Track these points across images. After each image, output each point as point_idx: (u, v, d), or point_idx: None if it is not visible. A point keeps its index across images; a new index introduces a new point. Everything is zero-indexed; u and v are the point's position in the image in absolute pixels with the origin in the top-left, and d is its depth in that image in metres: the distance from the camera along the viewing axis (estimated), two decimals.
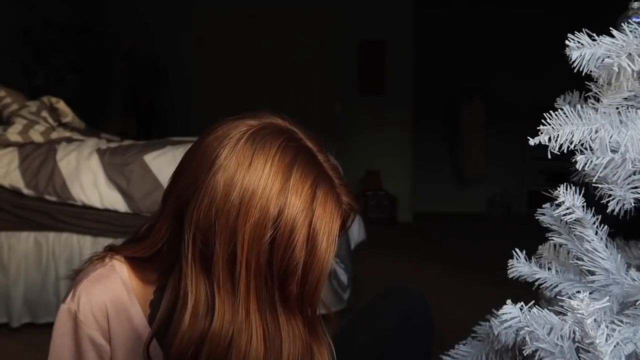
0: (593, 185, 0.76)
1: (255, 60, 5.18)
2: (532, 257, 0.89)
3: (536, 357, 0.71)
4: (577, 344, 0.68)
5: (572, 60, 0.73)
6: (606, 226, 0.81)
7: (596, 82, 0.77)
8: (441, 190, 5.67)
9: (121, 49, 5.17)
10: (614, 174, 0.72)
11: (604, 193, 0.75)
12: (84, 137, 2.64)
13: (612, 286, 0.80)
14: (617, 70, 0.71)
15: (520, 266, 0.86)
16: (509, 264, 0.87)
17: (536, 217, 0.86)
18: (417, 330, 1.08)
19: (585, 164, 0.72)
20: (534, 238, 0.95)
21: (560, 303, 0.70)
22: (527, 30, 5.19)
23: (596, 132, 0.73)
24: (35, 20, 4.40)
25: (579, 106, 0.75)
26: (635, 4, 0.87)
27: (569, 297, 0.66)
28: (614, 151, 0.71)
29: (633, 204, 0.75)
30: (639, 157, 0.71)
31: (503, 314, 0.76)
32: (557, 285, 0.84)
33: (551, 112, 0.75)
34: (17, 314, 2.31)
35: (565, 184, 0.79)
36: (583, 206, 0.79)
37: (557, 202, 0.79)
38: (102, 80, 5.26)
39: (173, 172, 0.75)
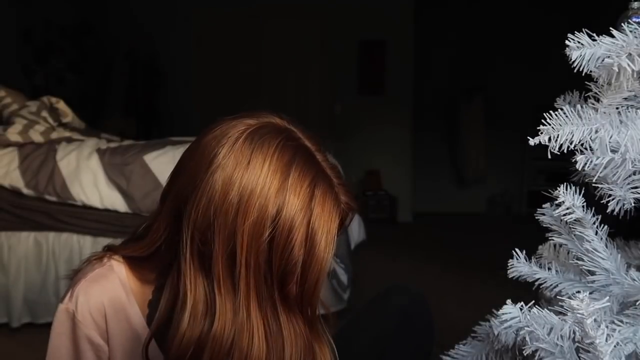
0: (593, 185, 0.76)
1: (255, 60, 5.18)
2: (532, 257, 0.89)
3: (536, 357, 0.71)
4: (577, 344, 0.68)
5: (572, 60, 0.73)
6: (606, 226, 0.81)
7: (596, 82, 0.77)
8: (441, 190, 5.67)
9: (121, 49, 5.17)
10: (614, 174, 0.72)
11: (604, 193, 0.75)
12: (84, 137, 2.64)
13: (612, 286, 0.80)
14: (617, 70, 0.71)
15: (520, 266, 0.86)
16: (509, 264, 0.87)
17: (536, 217, 0.86)
18: (417, 330, 1.08)
19: (585, 164, 0.72)
20: (534, 238, 0.95)
21: (560, 303, 0.70)
22: (527, 30, 5.19)
23: (596, 132, 0.73)
24: (35, 20, 4.40)
25: (579, 106, 0.75)
26: (635, 4, 0.87)
27: (569, 297, 0.66)
28: (614, 151, 0.71)
29: (633, 204, 0.75)
30: (639, 157, 0.71)
31: (503, 314, 0.76)
32: (557, 285, 0.84)
33: (551, 112, 0.75)
34: (17, 314, 2.31)
35: (565, 184, 0.79)
36: (583, 206, 0.79)
37: (557, 202, 0.79)
38: (102, 80, 5.26)
39: (171, 171, 0.75)
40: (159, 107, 5.39)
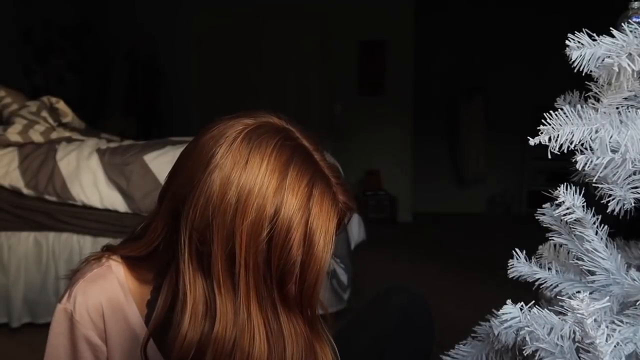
0: (593, 185, 0.76)
1: (255, 60, 5.18)
2: (532, 257, 0.89)
3: (536, 357, 0.71)
4: (577, 344, 0.68)
5: (572, 60, 0.73)
6: (606, 226, 0.81)
7: (596, 82, 0.77)
8: (441, 190, 5.67)
9: (121, 49, 5.17)
10: (614, 174, 0.72)
11: (604, 193, 0.75)
12: (84, 137, 2.64)
13: (612, 286, 0.80)
14: (617, 70, 0.71)
15: (520, 266, 0.86)
16: (509, 264, 0.87)
17: (536, 217, 0.86)
18: (417, 330, 1.08)
19: (585, 164, 0.72)
20: (534, 238, 0.95)
21: (560, 303, 0.70)
22: (528, 30, 5.19)
23: (596, 132, 0.73)
24: (35, 20, 4.40)
25: (579, 106, 0.75)
26: (635, 4, 0.87)
27: (569, 297, 0.66)
28: (614, 151, 0.71)
29: (633, 204, 0.75)
30: (639, 157, 0.71)
31: (503, 314, 0.76)
32: (557, 285, 0.84)
33: (551, 112, 0.75)
34: (17, 314, 2.31)
35: (565, 184, 0.79)
36: (583, 206, 0.79)
37: (557, 202, 0.79)
38: (102, 80, 5.26)
39: (169, 171, 0.75)
40: (159, 107, 5.39)
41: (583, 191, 0.79)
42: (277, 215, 0.66)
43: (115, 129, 3.50)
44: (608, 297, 0.73)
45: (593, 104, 0.78)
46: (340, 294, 2.44)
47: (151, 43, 5.18)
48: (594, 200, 0.78)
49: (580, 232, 0.80)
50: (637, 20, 0.83)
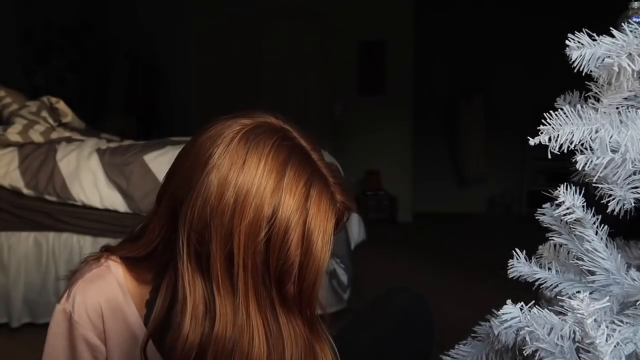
0: (593, 185, 0.76)
1: (255, 60, 5.18)
2: (532, 257, 0.89)
3: (536, 357, 0.71)
4: (577, 344, 0.68)
5: (572, 60, 0.73)
6: (606, 226, 0.81)
7: (596, 82, 0.77)
8: (441, 190, 5.67)
9: (121, 49, 5.17)
10: (614, 174, 0.72)
11: (604, 193, 0.75)
12: (84, 137, 2.64)
13: (612, 286, 0.79)
14: (617, 70, 0.71)
15: (520, 266, 0.86)
16: (509, 264, 0.87)
17: (536, 217, 0.86)
18: (417, 330, 1.08)
19: (585, 164, 0.72)
20: (534, 238, 0.95)
21: (560, 303, 0.70)
22: (527, 30, 5.19)
23: (596, 132, 0.73)
24: (35, 20, 4.40)
25: (579, 106, 0.75)
26: (635, 4, 0.87)
27: (569, 297, 0.66)
28: (614, 151, 0.71)
29: (633, 204, 0.75)
30: (639, 157, 0.71)
31: (503, 314, 0.75)
32: (557, 285, 0.84)
33: (551, 112, 0.75)
34: (17, 314, 2.31)
35: (565, 184, 0.79)
36: (583, 206, 0.79)
37: (557, 202, 0.79)
38: (102, 80, 5.26)
39: (167, 171, 0.75)
40: (159, 107, 5.39)
41: (583, 191, 0.79)
42: (275, 216, 0.66)
43: (115, 129, 3.50)
44: (608, 297, 0.73)
45: (593, 104, 0.78)
46: (340, 294, 2.44)
47: (151, 43, 5.18)
48: (594, 200, 0.78)
49: (580, 232, 0.80)
50: (637, 20, 0.83)
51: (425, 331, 1.11)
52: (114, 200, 2.29)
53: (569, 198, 0.78)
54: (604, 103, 0.77)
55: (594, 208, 0.79)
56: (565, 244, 0.84)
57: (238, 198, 0.65)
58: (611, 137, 0.72)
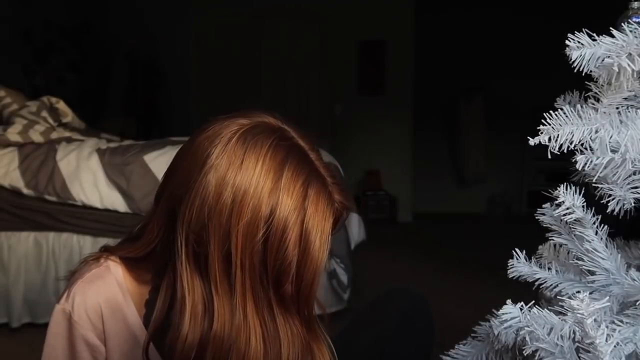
0: (593, 185, 0.76)
1: (255, 60, 5.18)
2: (532, 257, 0.89)
3: (536, 357, 0.71)
4: (577, 344, 0.68)
5: (572, 60, 0.73)
6: (606, 226, 0.81)
7: (596, 82, 0.77)
8: (441, 190, 5.68)
9: (121, 49, 5.17)
10: (614, 174, 0.72)
11: (604, 193, 0.75)
12: (84, 137, 2.64)
13: (612, 286, 0.79)
14: (617, 70, 0.71)
15: (520, 266, 0.86)
16: (509, 264, 0.87)
17: (536, 217, 0.86)
18: (417, 330, 1.08)
19: (585, 164, 0.72)
20: (534, 238, 0.95)
21: (560, 303, 0.70)
22: (527, 30, 5.19)
23: (596, 132, 0.73)
24: (35, 20, 4.40)
25: (579, 106, 0.75)
26: (635, 4, 0.87)
27: (569, 297, 0.66)
28: (614, 151, 0.71)
29: (633, 204, 0.75)
30: (639, 157, 0.71)
31: (503, 314, 0.76)
32: (557, 285, 0.84)
33: (551, 112, 0.75)
34: (17, 314, 2.31)
35: (565, 184, 0.79)
36: (583, 206, 0.79)
37: (557, 202, 0.79)
38: (102, 80, 5.26)
39: (165, 171, 0.75)
40: (159, 107, 5.39)
41: (583, 191, 0.79)
42: (272, 216, 0.65)
43: (115, 129, 3.50)
44: (608, 297, 0.73)
45: (593, 104, 0.78)
46: (340, 294, 2.44)
47: (151, 43, 5.18)
48: (594, 200, 0.78)
49: (580, 232, 0.80)
50: (637, 20, 0.83)
51: (426, 331, 1.11)
52: (114, 200, 2.29)
53: (569, 198, 0.78)
54: (603, 103, 0.77)
55: (594, 208, 0.79)
56: (565, 244, 0.84)
57: (236, 198, 0.65)
58: (611, 137, 0.72)
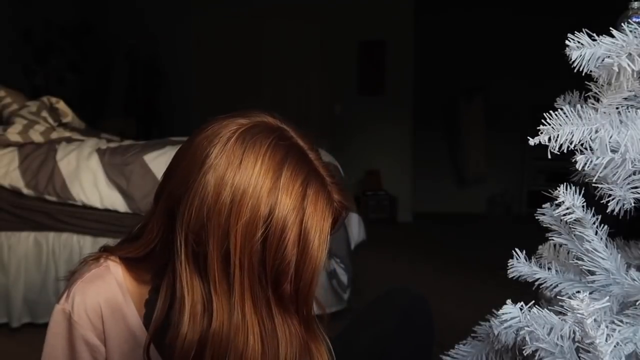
0: (593, 185, 0.76)
1: (255, 60, 5.18)
2: (532, 257, 0.89)
3: (536, 357, 0.71)
4: (577, 344, 0.68)
5: (572, 60, 0.73)
6: (606, 226, 0.81)
7: (596, 82, 0.77)
8: (441, 190, 5.67)
9: (121, 49, 5.17)
10: (614, 174, 0.72)
11: (604, 193, 0.75)
12: (84, 137, 2.64)
13: (612, 286, 0.79)
14: (617, 70, 0.71)
15: (520, 266, 0.86)
16: (509, 264, 0.87)
17: (536, 217, 0.86)
18: (417, 330, 1.08)
19: (585, 164, 0.72)
20: (534, 238, 0.95)
21: (560, 303, 0.70)
22: (527, 30, 5.19)
23: (596, 132, 0.73)
24: (35, 20, 4.40)
25: (579, 106, 0.75)
26: (635, 4, 0.87)
27: (569, 297, 0.66)
28: (614, 151, 0.71)
29: (633, 204, 0.75)
30: (639, 157, 0.71)
31: (503, 314, 0.76)
32: (557, 285, 0.84)
33: (551, 112, 0.75)
34: (17, 314, 2.31)
35: (565, 184, 0.79)
36: (583, 206, 0.79)
37: (557, 202, 0.79)
38: (102, 80, 5.26)
39: (164, 171, 0.75)
40: (159, 107, 5.39)
41: (583, 191, 0.79)
42: (271, 215, 0.65)
43: (115, 129, 3.50)
44: (608, 297, 0.73)
45: (593, 104, 0.78)
46: (340, 294, 2.44)
47: (151, 43, 5.18)
48: (594, 200, 0.78)
49: (580, 232, 0.80)
50: (637, 20, 0.83)
51: (426, 331, 1.11)
52: (114, 200, 2.29)
53: (569, 198, 0.78)
54: (603, 103, 0.77)
55: (594, 208, 0.79)
56: (565, 244, 0.84)
57: (235, 198, 0.65)
58: (611, 137, 0.72)
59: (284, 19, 5.09)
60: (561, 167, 0.94)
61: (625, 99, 0.77)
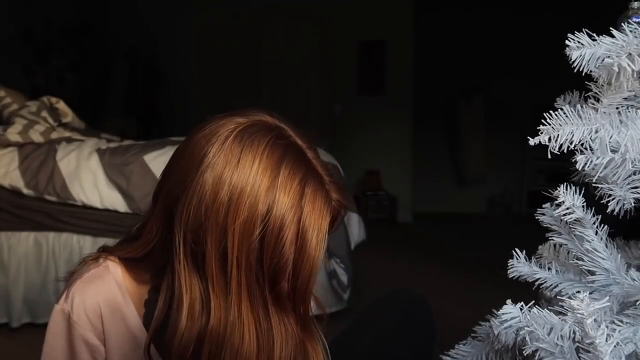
0: (593, 185, 0.76)
1: (255, 60, 5.18)
2: (532, 257, 0.89)
3: (536, 357, 0.71)
4: (577, 344, 0.68)
5: (572, 60, 0.73)
6: (606, 226, 0.81)
7: (596, 82, 0.77)
8: (441, 190, 5.67)
9: (121, 49, 5.17)
10: (614, 174, 0.72)
11: (604, 193, 0.75)
12: (84, 137, 2.64)
13: (612, 286, 0.79)
14: (617, 70, 0.71)
15: (520, 266, 0.86)
16: (509, 264, 0.87)
17: (536, 217, 0.86)
18: (418, 330, 1.09)
19: (585, 164, 0.72)
20: (534, 238, 0.95)
21: (560, 303, 0.70)
22: (527, 30, 5.19)
23: (596, 132, 0.73)
24: (35, 20, 4.40)
25: (579, 106, 0.75)
26: (635, 4, 0.87)
27: (569, 297, 0.66)
28: (614, 151, 0.71)
29: (633, 204, 0.75)
30: (639, 157, 0.71)
31: (503, 314, 0.76)
32: (557, 285, 0.84)
33: (551, 112, 0.75)
34: (17, 314, 2.31)
35: (565, 184, 0.79)
36: (583, 206, 0.79)
37: (557, 202, 0.79)
38: (102, 80, 5.26)
39: (163, 170, 0.75)
40: (159, 107, 5.39)
41: (583, 191, 0.79)
42: (269, 214, 0.66)
43: (115, 129, 3.50)
44: (608, 297, 0.73)
45: (593, 104, 0.78)
46: (340, 294, 2.44)
47: (151, 43, 5.18)
48: (594, 200, 0.78)
49: (580, 232, 0.80)
50: (637, 20, 0.83)
51: (426, 331, 1.11)
52: (114, 200, 2.29)
53: (569, 198, 0.78)
54: (604, 103, 0.77)
55: (594, 208, 0.79)
56: (565, 244, 0.84)
57: (232, 196, 0.65)
58: (611, 137, 0.72)
59: (284, 19, 5.09)
60: (561, 167, 0.94)
61: (626, 99, 0.77)
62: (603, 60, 0.72)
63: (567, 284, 0.84)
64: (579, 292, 0.75)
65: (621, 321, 0.72)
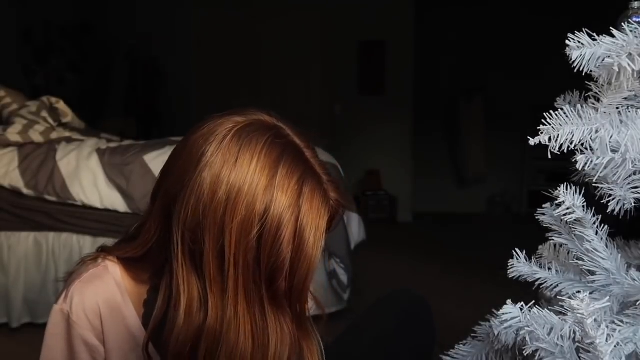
0: (593, 185, 0.76)
1: (255, 60, 5.18)
2: (532, 257, 0.89)
3: (536, 357, 0.71)
4: (577, 344, 0.68)
5: (573, 60, 0.72)
6: (606, 226, 0.81)
7: (596, 82, 0.77)
8: (441, 190, 5.67)
9: (121, 49, 5.17)
10: (614, 174, 0.72)
11: (604, 193, 0.75)
12: (83, 137, 2.64)
13: (612, 286, 0.79)
14: (617, 70, 0.71)
15: (520, 266, 0.86)
16: (509, 264, 0.87)
17: (536, 217, 0.86)
18: (418, 330, 1.09)
19: (586, 164, 0.72)
20: (534, 238, 0.95)
21: (560, 303, 0.70)
22: (527, 30, 5.19)
23: (596, 132, 0.73)
24: (35, 20, 4.40)
25: (579, 106, 0.75)
26: (635, 4, 0.87)
27: (569, 297, 0.66)
28: (614, 151, 0.71)
29: (633, 204, 0.75)
30: (639, 157, 0.71)
31: (503, 314, 0.76)
32: (557, 285, 0.84)
33: (551, 112, 0.75)
34: (17, 314, 2.31)
35: (565, 184, 0.79)
36: (583, 206, 0.79)
37: (557, 202, 0.79)
38: (102, 80, 5.26)
39: (161, 170, 0.75)
40: (159, 107, 5.39)
41: (583, 191, 0.79)
42: (267, 213, 0.66)
43: (115, 129, 3.50)
44: (608, 297, 0.73)
45: (593, 104, 0.78)
46: (340, 294, 2.44)
47: (151, 43, 5.18)
48: (594, 200, 0.78)
49: (580, 232, 0.80)
50: (637, 20, 0.83)
51: (427, 331, 1.11)
52: (114, 200, 2.29)
53: (569, 198, 0.78)
54: (604, 103, 0.77)
55: (594, 208, 0.79)
56: (565, 244, 0.84)
57: (230, 195, 0.65)
58: (611, 137, 0.72)
59: (283, 18, 5.09)
60: (561, 167, 0.94)
61: (626, 98, 0.77)
62: (603, 60, 0.72)
63: (567, 284, 0.84)
64: (579, 292, 0.75)
65: (621, 321, 0.72)
